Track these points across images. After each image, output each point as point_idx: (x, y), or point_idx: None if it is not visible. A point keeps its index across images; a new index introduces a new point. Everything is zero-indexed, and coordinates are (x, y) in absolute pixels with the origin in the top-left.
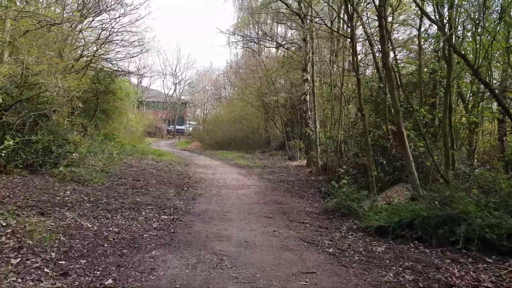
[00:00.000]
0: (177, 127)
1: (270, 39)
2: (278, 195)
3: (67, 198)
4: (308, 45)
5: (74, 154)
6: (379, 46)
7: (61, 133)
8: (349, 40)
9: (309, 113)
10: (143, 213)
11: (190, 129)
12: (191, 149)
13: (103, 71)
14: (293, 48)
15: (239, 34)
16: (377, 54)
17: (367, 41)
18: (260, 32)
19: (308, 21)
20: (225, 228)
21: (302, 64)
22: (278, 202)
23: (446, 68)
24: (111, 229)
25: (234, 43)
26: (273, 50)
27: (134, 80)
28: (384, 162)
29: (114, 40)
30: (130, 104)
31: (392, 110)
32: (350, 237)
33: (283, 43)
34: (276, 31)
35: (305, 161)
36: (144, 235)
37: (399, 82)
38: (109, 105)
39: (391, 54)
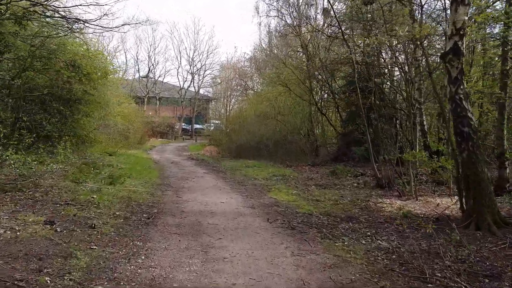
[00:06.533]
0: (196, 126)
1: None
2: None
3: None
4: None
5: None
6: None
7: None
8: None
9: (463, 86)
10: None
11: (212, 128)
12: (201, 158)
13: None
14: None
15: None
16: None
17: None
18: None
19: None
20: None
21: None
22: None
23: None
24: None
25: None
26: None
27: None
28: None
29: None
30: (120, 94)
31: None
32: None
33: None
34: None
35: (438, 200)
36: None
37: None
38: (55, 87)
39: None
